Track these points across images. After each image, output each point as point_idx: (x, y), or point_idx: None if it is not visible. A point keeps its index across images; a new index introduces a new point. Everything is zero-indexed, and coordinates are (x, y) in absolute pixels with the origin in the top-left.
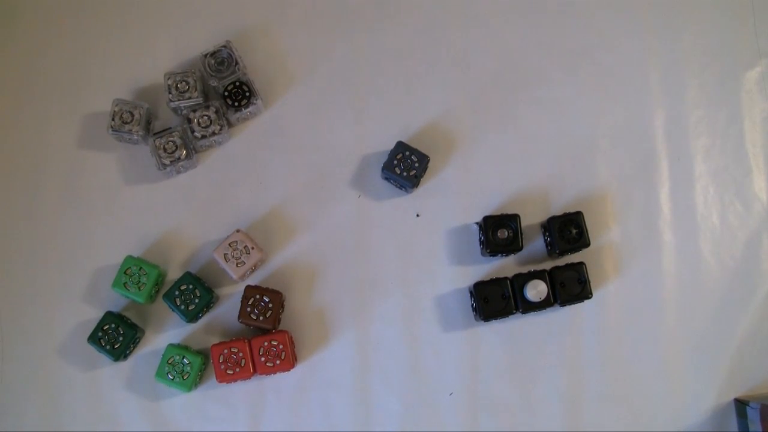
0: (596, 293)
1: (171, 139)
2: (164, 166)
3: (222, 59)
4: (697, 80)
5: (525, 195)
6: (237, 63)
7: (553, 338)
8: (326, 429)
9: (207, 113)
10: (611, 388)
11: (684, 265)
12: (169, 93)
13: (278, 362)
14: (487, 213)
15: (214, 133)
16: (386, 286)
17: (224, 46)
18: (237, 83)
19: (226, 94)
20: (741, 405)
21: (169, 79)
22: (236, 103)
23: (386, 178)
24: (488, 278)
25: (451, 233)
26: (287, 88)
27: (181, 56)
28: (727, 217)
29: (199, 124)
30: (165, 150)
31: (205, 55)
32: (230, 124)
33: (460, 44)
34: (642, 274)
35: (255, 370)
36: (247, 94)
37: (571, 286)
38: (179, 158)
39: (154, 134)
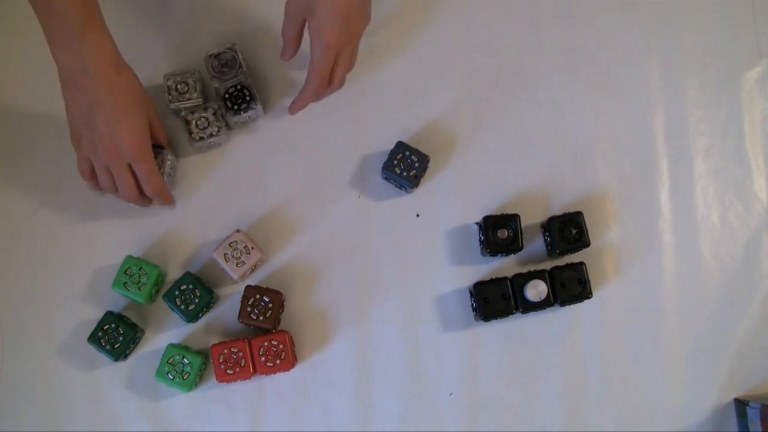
0: (596, 293)
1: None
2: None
3: (226, 61)
4: (697, 80)
5: (525, 195)
6: (240, 66)
7: (553, 338)
8: (326, 429)
9: (205, 115)
10: (611, 388)
11: (684, 265)
12: (169, 94)
13: (278, 362)
14: (487, 213)
15: (212, 135)
16: (386, 286)
17: (230, 48)
18: (238, 86)
19: (227, 96)
20: (741, 405)
21: (168, 80)
22: (236, 107)
23: (386, 178)
24: (488, 278)
25: (451, 233)
26: (287, 89)
27: (180, 57)
28: (727, 217)
29: (197, 126)
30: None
31: (210, 56)
32: (229, 127)
33: (460, 44)
34: (642, 274)
35: (255, 370)
36: (248, 98)
37: (571, 286)
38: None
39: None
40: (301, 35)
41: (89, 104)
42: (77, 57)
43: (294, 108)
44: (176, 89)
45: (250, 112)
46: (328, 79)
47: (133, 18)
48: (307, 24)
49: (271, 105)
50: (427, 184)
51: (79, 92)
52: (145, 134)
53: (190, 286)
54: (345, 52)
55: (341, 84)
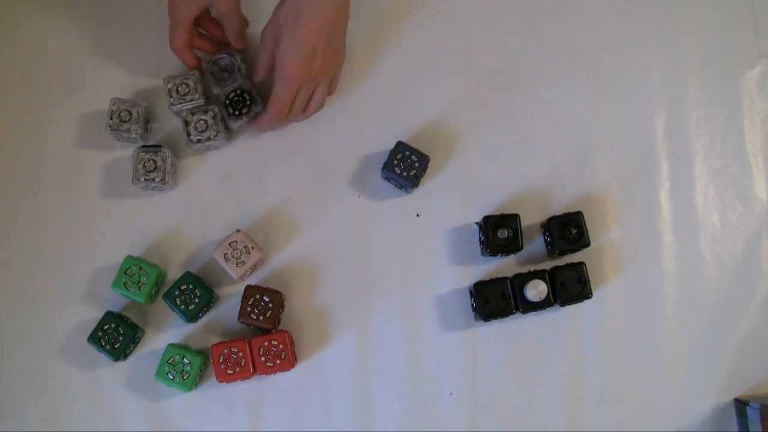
0: (596, 293)
1: (153, 158)
2: (138, 180)
3: (225, 66)
4: (697, 80)
5: (525, 195)
6: (239, 70)
7: (553, 338)
8: (326, 429)
9: (204, 118)
10: (611, 388)
11: (684, 265)
12: (170, 97)
13: (278, 362)
14: (487, 213)
15: (209, 138)
16: (386, 286)
17: (227, 53)
18: (238, 91)
19: (227, 102)
20: (741, 405)
21: (168, 83)
22: (237, 112)
23: (386, 178)
24: (488, 278)
25: (451, 233)
26: None
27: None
28: (727, 217)
29: (195, 127)
30: (144, 167)
31: (209, 63)
32: (229, 131)
33: (459, 44)
34: (642, 274)
35: (255, 370)
36: (248, 102)
37: (571, 286)
38: (153, 179)
39: (142, 146)
40: (273, 62)
41: None
42: None
43: (252, 126)
44: (177, 91)
45: (251, 116)
46: (288, 109)
47: (135, 20)
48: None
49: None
50: (427, 184)
51: None
52: None
53: (190, 286)
54: (307, 87)
55: (296, 115)
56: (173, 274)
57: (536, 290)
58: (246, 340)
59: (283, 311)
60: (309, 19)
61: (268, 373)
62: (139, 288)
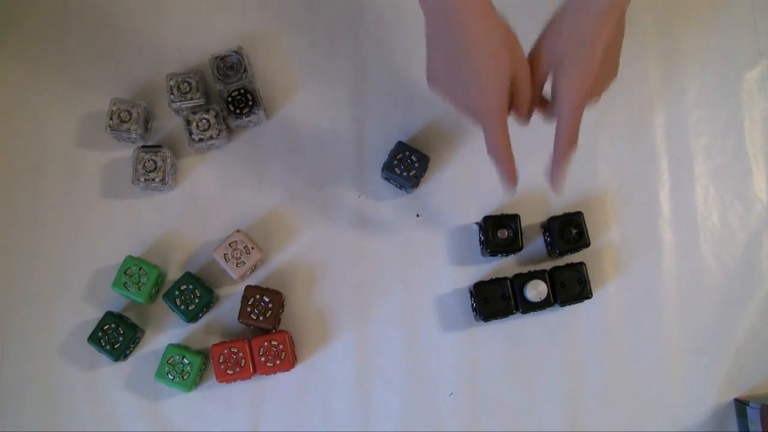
0: (596, 293)
1: (153, 158)
2: (138, 180)
3: (231, 64)
4: (697, 80)
5: (525, 195)
6: (245, 70)
7: (553, 338)
8: (326, 429)
9: (206, 117)
10: (611, 388)
11: (684, 265)
12: (171, 94)
13: (278, 362)
14: (487, 213)
15: (211, 137)
16: (386, 286)
17: (236, 52)
18: (242, 90)
19: (230, 99)
20: (741, 405)
21: (171, 80)
22: (238, 111)
23: (386, 178)
24: (488, 278)
25: (451, 233)
26: (288, 89)
27: (181, 57)
28: (727, 217)
29: (197, 126)
30: (144, 167)
31: (215, 58)
32: (230, 130)
33: None
34: (642, 274)
35: (255, 370)
36: (250, 103)
37: (571, 286)
38: (153, 179)
39: (142, 146)
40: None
41: None
42: None
43: (556, 181)
44: (178, 89)
45: (251, 117)
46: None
47: (140, 16)
48: (553, 78)
49: (273, 110)
50: (427, 184)
51: None
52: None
53: (190, 286)
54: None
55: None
56: (173, 274)
57: (536, 290)
58: (246, 340)
59: (283, 311)
60: (593, 42)
61: (268, 373)
62: (139, 288)
